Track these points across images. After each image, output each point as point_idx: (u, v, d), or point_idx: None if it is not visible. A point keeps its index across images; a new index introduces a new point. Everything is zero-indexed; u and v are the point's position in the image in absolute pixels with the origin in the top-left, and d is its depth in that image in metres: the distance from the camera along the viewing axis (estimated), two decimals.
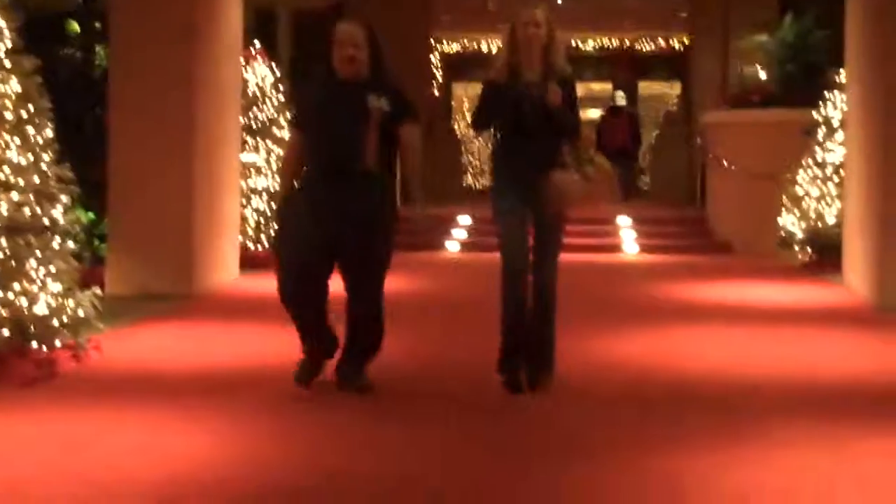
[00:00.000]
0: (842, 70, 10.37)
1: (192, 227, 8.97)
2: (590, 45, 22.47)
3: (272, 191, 11.02)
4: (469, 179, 22.72)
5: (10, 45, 6.10)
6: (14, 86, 6.04)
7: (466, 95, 23.69)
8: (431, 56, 21.16)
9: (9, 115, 5.96)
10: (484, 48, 23.35)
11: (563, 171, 5.43)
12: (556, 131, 5.48)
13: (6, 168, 5.87)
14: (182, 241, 8.91)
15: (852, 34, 9.67)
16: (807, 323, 7.87)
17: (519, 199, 5.46)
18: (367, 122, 5.15)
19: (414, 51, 18.71)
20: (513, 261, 5.50)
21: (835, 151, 10.76)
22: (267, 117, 11.52)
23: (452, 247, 13.56)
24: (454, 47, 23.20)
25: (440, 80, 22.56)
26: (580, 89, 6.92)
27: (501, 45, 5.65)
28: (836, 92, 10.84)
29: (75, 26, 11.19)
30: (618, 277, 11.05)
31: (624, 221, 14.21)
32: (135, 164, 8.84)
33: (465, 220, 14.35)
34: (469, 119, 5.99)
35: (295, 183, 5.46)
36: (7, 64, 6.04)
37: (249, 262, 10.43)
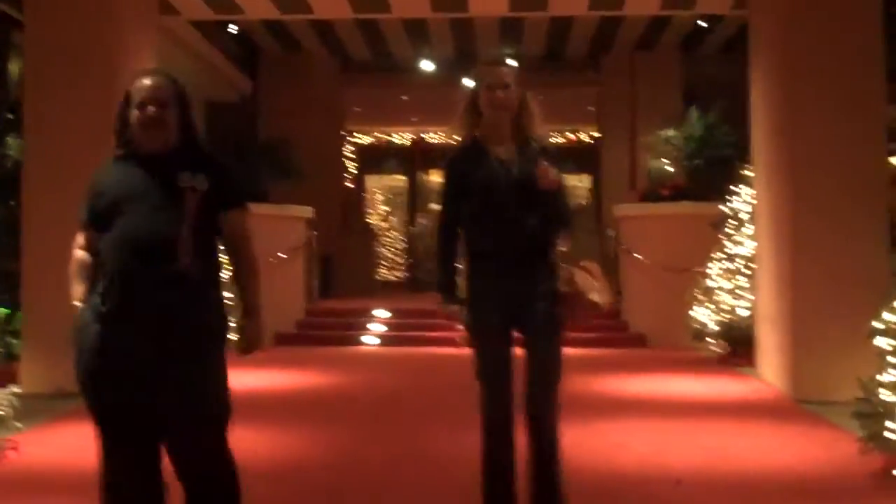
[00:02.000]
0: (748, 164, 10.63)
1: None
2: None
3: None
4: (384, 272, 22.75)
5: None
6: None
7: (379, 186, 23.87)
8: (343, 148, 21.29)
9: None
10: (396, 140, 23.65)
11: (576, 270, 4.42)
12: (549, 220, 4.42)
13: None
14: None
15: (757, 127, 9.93)
16: (724, 415, 7.97)
17: (500, 311, 4.38)
18: (182, 210, 3.70)
19: (327, 143, 18.83)
20: (496, 400, 4.40)
21: (744, 244, 10.97)
22: None
23: (370, 341, 13.51)
24: (366, 139, 23.40)
25: (353, 171, 22.70)
26: None
27: (461, 117, 4.57)
28: (742, 186, 11.08)
29: None
30: None
31: None
32: (50, 257, 8.67)
33: (381, 313, 14.32)
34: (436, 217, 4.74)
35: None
36: None
37: None
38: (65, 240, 8.48)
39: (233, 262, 3.86)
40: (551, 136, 19.18)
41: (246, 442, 6.75)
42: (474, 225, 4.47)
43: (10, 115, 10.68)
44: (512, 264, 4.39)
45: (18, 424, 6.12)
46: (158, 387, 3.61)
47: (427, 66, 18.98)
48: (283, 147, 14.61)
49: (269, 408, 8.27)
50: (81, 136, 8.69)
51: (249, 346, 3.83)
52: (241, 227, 3.85)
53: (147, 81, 3.83)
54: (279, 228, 13.47)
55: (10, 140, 10.66)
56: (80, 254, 3.86)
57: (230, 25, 15.66)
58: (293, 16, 12.79)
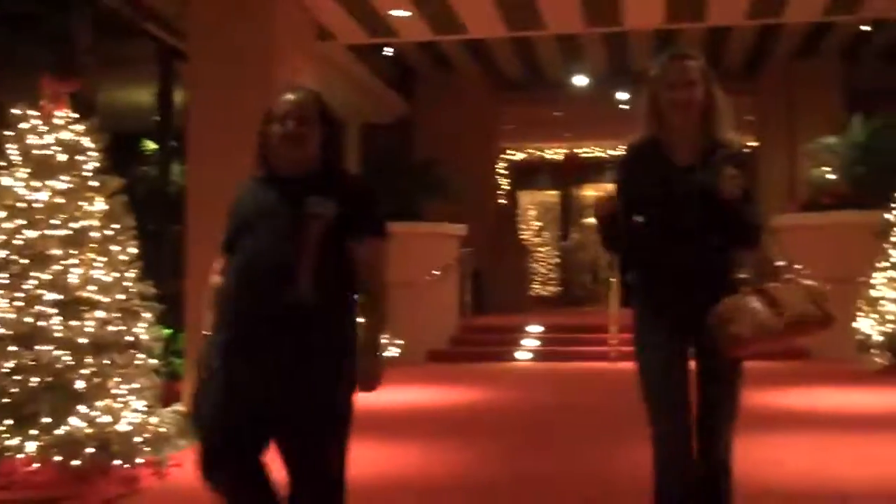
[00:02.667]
0: None
1: None
2: None
3: None
4: (536, 287, 22.73)
5: (96, 165, 6.32)
6: (100, 205, 6.22)
7: (532, 203, 23.88)
8: (496, 165, 21.38)
9: (95, 234, 6.13)
10: (548, 155, 23.63)
11: (739, 296, 3.75)
12: (730, 236, 3.83)
13: (92, 286, 6.01)
14: None
15: None
16: (891, 429, 7.69)
17: (671, 330, 3.86)
18: (306, 236, 3.49)
19: (480, 161, 18.94)
20: (666, 420, 3.87)
21: None
22: None
23: (523, 356, 13.50)
24: (519, 156, 23.46)
25: (506, 188, 22.78)
26: None
27: (643, 118, 3.97)
28: None
29: (152, 145, 11.52)
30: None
31: None
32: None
33: (534, 328, 14.31)
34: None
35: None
36: (94, 184, 6.24)
37: None
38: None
39: (360, 292, 3.57)
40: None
41: (399, 457, 6.88)
42: (644, 238, 3.90)
43: (174, 143, 11.06)
44: (686, 284, 3.84)
45: (182, 442, 6.29)
46: (276, 422, 3.47)
47: (580, 80, 18.90)
48: (436, 166, 14.74)
49: (422, 424, 8.35)
50: (241, 163, 8.89)
51: (363, 384, 3.53)
52: (371, 258, 3.56)
53: (289, 96, 3.64)
54: (433, 246, 13.63)
55: (175, 167, 11.05)
56: (214, 279, 3.71)
57: (385, 48, 15.89)
58: (447, 37, 12.86)
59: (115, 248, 6.21)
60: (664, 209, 3.85)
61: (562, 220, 23.78)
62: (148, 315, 6.29)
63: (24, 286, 5.84)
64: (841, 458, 6.65)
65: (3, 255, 5.87)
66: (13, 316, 5.76)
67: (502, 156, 22.38)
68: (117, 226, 6.26)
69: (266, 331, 3.44)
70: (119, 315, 6.07)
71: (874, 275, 11.16)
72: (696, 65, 3.88)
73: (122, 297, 6.13)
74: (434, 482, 6.16)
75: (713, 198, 3.75)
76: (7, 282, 5.84)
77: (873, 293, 11.11)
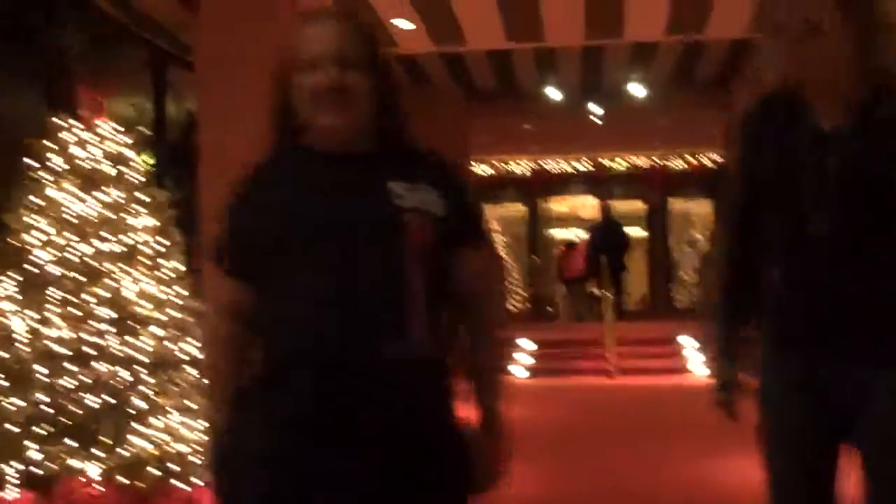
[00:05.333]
0: None
1: None
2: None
3: None
4: (512, 303, 22.70)
5: (144, 180, 6.14)
6: (149, 219, 6.03)
7: (495, 217, 23.87)
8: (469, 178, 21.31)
9: (146, 249, 5.95)
10: (517, 170, 23.60)
11: None
12: None
13: (146, 302, 5.82)
14: None
15: None
16: None
17: (814, 408, 2.55)
18: (403, 246, 2.24)
19: None
20: None
21: None
22: None
23: (519, 372, 13.42)
24: (486, 170, 23.39)
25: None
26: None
27: (764, 63, 2.64)
28: None
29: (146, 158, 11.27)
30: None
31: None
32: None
33: (526, 343, 14.22)
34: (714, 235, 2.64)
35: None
36: (143, 198, 6.05)
37: None
38: None
39: (462, 329, 2.40)
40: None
41: None
42: (765, 256, 2.59)
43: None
44: (837, 329, 2.45)
45: None
46: None
47: (553, 93, 18.90)
48: None
49: None
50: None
51: (485, 479, 2.38)
52: (482, 277, 2.41)
53: (320, 28, 2.34)
54: None
55: (167, 181, 10.83)
56: (221, 326, 2.41)
57: None
58: (450, 48, 12.68)
59: (165, 263, 6.03)
60: (790, 207, 2.49)
61: (529, 236, 23.80)
62: (199, 332, 6.12)
63: (79, 303, 5.65)
64: None
65: (57, 271, 5.68)
66: (70, 334, 5.57)
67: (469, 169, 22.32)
68: (167, 241, 6.09)
69: (351, 406, 2.18)
70: (173, 332, 5.90)
71: None
72: None
73: (175, 313, 5.96)
74: None
75: (876, 189, 2.40)
76: (62, 299, 5.64)
77: None
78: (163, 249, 6.02)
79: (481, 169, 23.23)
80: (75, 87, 10.00)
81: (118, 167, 6.03)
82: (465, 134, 19.69)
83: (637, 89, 17.26)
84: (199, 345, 6.06)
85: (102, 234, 5.82)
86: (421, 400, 2.24)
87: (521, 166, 23.66)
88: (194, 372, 5.99)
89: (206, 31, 9.24)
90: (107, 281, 5.73)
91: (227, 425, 2.35)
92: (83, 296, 5.67)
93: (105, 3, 9.42)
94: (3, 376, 5.52)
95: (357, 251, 2.22)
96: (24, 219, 5.78)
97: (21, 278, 5.69)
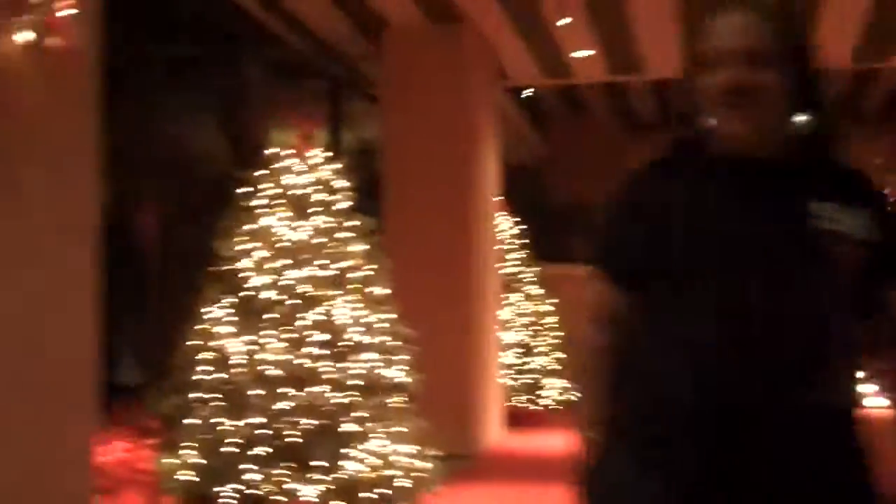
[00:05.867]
0: None
1: (468, 382, 8.88)
2: None
3: (522, 345, 11.00)
4: None
5: (349, 205, 6.24)
6: (357, 245, 6.12)
7: None
8: None
9: (355, 275, 6.03)
10: None
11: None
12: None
13: (356, 327, 5.90)
14: (459, 396, 8.81)
15: None
16: None
17: None
18: (831, 279, 1.94)
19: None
20: None
21: None
22: (511, 271, 11.52)
23: None
24: None
25: None
26: None
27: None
28: None
29: None
30: None
31: None
32: (438, 324, 8.64)
33: None
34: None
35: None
36: (350, 224, 6.15)
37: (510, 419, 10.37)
38: (431, 311, 8.65)
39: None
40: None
41: None
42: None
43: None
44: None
45: (439, 487, 6.14)
46: None
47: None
48: (586, 208, 14.59)
49: None
50: (436, 204, 8.90)
51: None
52: None
53: (730, 20, 2.04)
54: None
55: None
56: (598, 336, 2.15)
57: (525, 90, 15.80)
58: (625, 77, 12.60)
59: (373, 288, 6.11)
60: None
61: None
62: (405, 357, 6.17)
63: (294, 327, 5.75)
64: None
65: (272, 296, 5.80)
66: (285, 357, 5.67)
67: None
68: (374, 266, 6.17)
69: (760, 461, 1.88)
70: (384, 357, 5.96)
71: None
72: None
73: (385, 338, 6.02)
74: None
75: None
76: (276, 323, 5.76)
77: None
78: (371, 274, 6.10)
79: None
80: (256, 116, 10.31)
81: (327, 194, 6.14)
82: (624, 165, 19.56)
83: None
84: (406, 369, 6.11)
85: (314, 259, 5.92)
86: (840, 456, 1.95)
87: None
88: (403, 396, 6.04)
89: (389, 60, 9.39)
90: (320, 306, 5.82)
91: (600, 456, 2.09)
92: (297, 320, 5.77)
93: (287, 33, 9.62)
94: (220, 399, 5.65)
95: (771, 280, 1.91)
96: (239, 245, 5.94)
97: (237, 302, 5.83)
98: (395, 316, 6.15)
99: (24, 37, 2.86)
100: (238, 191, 6.07)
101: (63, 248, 3.26)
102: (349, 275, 6.00)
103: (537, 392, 10.85)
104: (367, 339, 5.89)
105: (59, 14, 2.90)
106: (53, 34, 2.88)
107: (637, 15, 9.15)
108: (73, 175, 3.32)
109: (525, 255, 11.79)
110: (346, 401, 5.69)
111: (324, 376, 5.69)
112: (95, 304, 3.39)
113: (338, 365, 5.74)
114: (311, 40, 9.81)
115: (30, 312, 3.01)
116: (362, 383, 5.74)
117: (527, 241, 11.96)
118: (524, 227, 12.00)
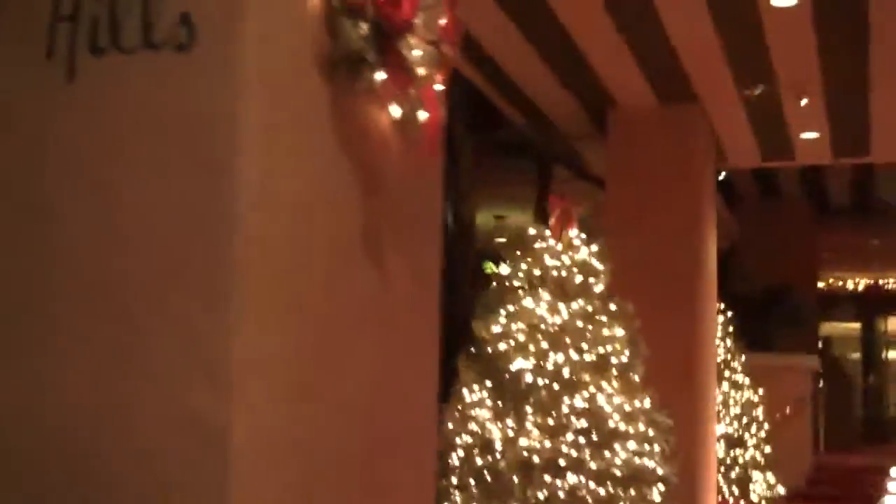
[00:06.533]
0: None
1: (692, 475, 8.58)
2: None
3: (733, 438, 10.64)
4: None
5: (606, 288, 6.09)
6: (618, 330, 5.96)
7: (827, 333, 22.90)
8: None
9: (616, 360, 5.87)
10: (849, 285, 22.61)
11: None
12: None
13: (617, 414, 5.72)
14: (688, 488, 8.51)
15: None
16: None
17: None
18: None
19: (801, 289, 18.20)
20: None
21: None
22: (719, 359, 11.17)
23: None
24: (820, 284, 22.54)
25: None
26: None
27: None
28: None
29: (494, 268, 11.38)
30: None
31: None
32: None
33: None
34: None
35: None
36: (611, 308, 6.00)
37: None
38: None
39: None
40: None
41: None
42: None
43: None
44: None
45: None
46: None
47: None
48: (791, 292, 14.16)
49: None
50: (660, 287, 8.70)
51: None
52: None
53: None
54: (788, 380, 13.01)
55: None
56: None
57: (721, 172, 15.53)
58: (854, 160, 12.20)
59: (632, 375, 5.93)
60: None
61: (863, 353, 22.75)
62: (664, 446, 5.95)
63: (554, 413, 5.60)
64: None
65: (535, 380, 5.66)
66: (545, 444, 5.52)
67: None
68: (632, 352, 5.99)
69: None
70: (644, 446, 5.76)
71: None
72: None
73: (645, 428, 5.82)
74: None
75: None
76: (538, 408, 5.62)
77: None
78: (631, 360, 5.92)
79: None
80: (469, 191, 10.27)
81: (585, 277, 6.01)
82: (814, 250, 19.03)
83: None
84: (664, 460, 5.89)
85: (574, 343, 5.78)
86: None
87: (854, 282, 22.70)
88: (661, 488, 5.82)
89: (615, 139, 9.30)
90: (582, 391, 5.67)
91: None
92: (558, 406, 5.62)
93: (514, 114, 9.61)
94: (479, 484, 5.52)
95: None
96: (498, 327, 5.83)
97: (496, 385, 5.72)
98: (653, 403, 5.95)
99: (401, 110, 2.79)
100: (494, 270, 5.99)
101: (415, 321, 3.20)
102: (611, 360, 5.83)
103: (749, 485, 10.44)
104: (629, 429, 5.69)
105: (434, 87, 2.83)
106: (426, 108, 2.81)
107: (874, 98, 8.87)
108: (423, 251, 3.26)
109: (732, 343, 11.42)
110: (605, 492, 5.50)
111: (585, 465, 5.51)
112: (436, 372, 3.36)
113: (601, 453, 5.56)
114: (532, 119, 9.77)
115: (395, 379, 2.98)
116: (622, 474, 5.53)
117: (731, 327, 11.60)
118: (729, 312, 11.66)
